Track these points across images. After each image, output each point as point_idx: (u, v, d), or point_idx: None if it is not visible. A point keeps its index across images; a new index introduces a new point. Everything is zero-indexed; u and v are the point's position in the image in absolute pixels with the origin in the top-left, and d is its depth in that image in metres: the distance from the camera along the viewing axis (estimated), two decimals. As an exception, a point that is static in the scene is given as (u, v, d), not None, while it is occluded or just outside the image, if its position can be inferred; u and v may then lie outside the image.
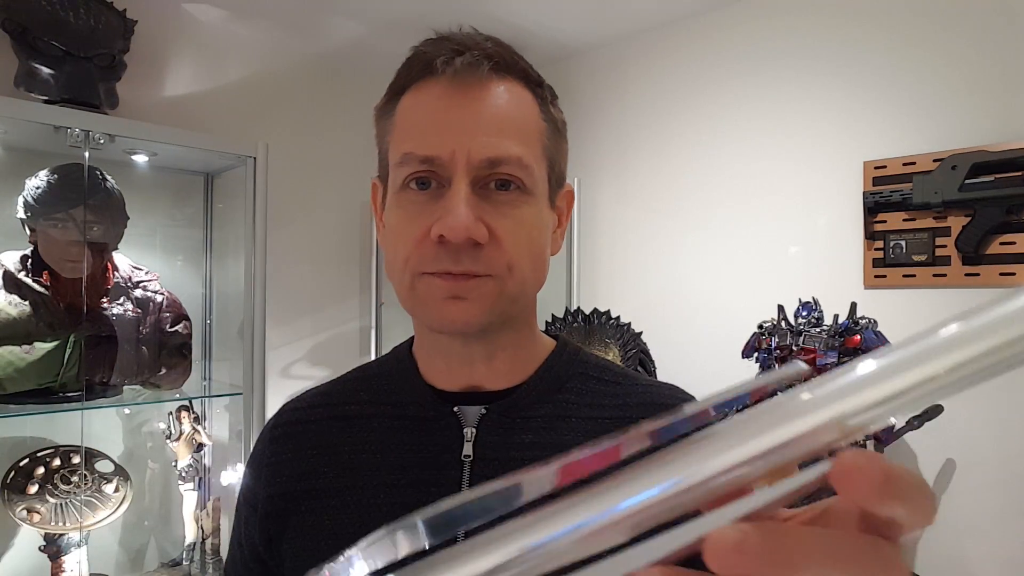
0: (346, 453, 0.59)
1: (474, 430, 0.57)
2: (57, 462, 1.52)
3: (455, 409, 0.58)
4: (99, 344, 1.53)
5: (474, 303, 0.53)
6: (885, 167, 1.56)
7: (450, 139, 0.52)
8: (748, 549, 0.18)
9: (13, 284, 1.45)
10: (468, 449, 0.57)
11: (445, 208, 0.51)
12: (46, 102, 1.48)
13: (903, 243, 1.53)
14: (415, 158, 0.53)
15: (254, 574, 0.62)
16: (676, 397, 0.63)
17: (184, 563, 1.72)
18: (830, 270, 1.65)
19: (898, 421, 1.37)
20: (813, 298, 1.54)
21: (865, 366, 0.19)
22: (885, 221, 1.55)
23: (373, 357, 2.23)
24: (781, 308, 1.57)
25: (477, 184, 0.52)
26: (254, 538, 0.61)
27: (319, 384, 0.68)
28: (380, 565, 0.20)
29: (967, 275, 1.44)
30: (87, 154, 1.47)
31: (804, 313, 1.52)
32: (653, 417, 0.20)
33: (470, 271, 0.52)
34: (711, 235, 1.91)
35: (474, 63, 0.52)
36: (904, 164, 1.53)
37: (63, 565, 1.47)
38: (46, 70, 1.49)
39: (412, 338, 0.65)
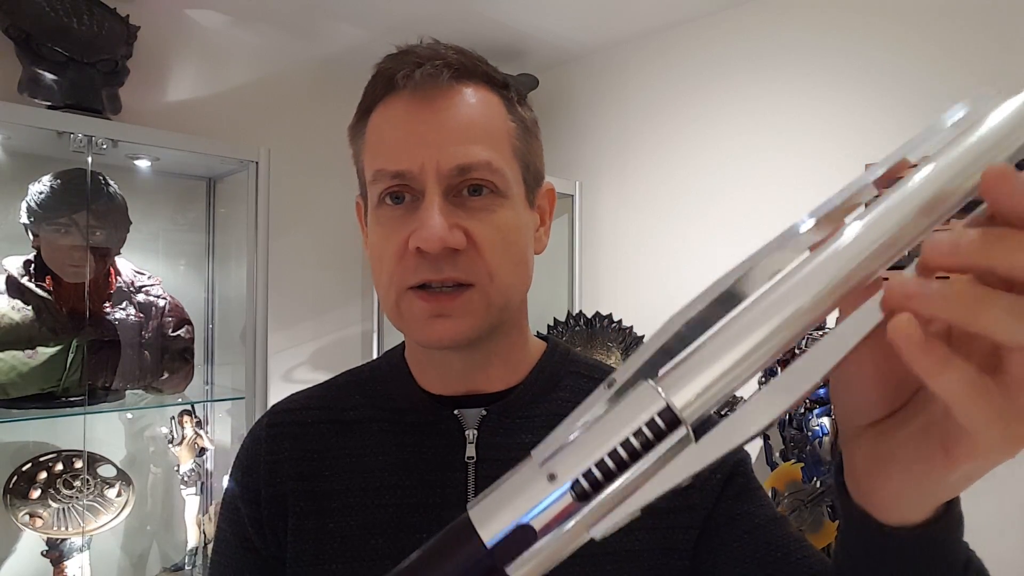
0: (347, 456, 0.59)
1: (475, 432, 0.58)
2: (59, 467, 1.52)
3: (455, 412, 0.58)
4: (101, 349, 1.53)
5: (460, 319, 0.53)
6: (887, 170, 1.56)
7: (418, 152, 0.52)
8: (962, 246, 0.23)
9: (16, 289, 1.46)
10: (471, 451, 0.57)
11: (420, 220, 0.51)
12: (49, 107, 1.49)
13: (905, 246, 1.53)
14: (387, 174, 0.53)
15: (263, 572, 0.60)
16: None
17: (186, 568, 1.72)
18: (832, 273, 1.65)
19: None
20: (815, 301, 1.53)
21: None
22: (887, 224, 1.55)
23: (375, 361, 2.23)
24: (783, 311, 1.57)
25: (450, 192, 0.52)
26: (267, 538, 0.60)
27: (307, 388, 0.67)
28: None
29: (970, 278, 1.43)
30: (90, 159, 1.48)
31: (806, 316, 1.52)
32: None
33: (451, 278, 0.52)
34: (713, 237, 1.90)
35: (434, 73, 0.52)
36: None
37: (65, 570, 1.47)
38: (49, 76, 1.49)
39: (404, 342, 0.65)
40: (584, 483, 0.25)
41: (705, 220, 1.92)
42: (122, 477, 1.62)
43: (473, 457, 0.57)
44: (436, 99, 0.53)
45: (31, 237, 1.47)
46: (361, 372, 0.66)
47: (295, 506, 0.58)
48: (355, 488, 0.58)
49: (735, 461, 0.58)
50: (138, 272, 1.67)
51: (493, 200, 0.54)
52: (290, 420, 0.63)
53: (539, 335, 0.67)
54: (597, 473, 0.25)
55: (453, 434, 0.58)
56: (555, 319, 1.98)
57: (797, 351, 0.27)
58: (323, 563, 0.56)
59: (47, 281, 1.48)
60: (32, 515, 1.44)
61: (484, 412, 0.58)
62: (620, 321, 1.87)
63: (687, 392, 0.26)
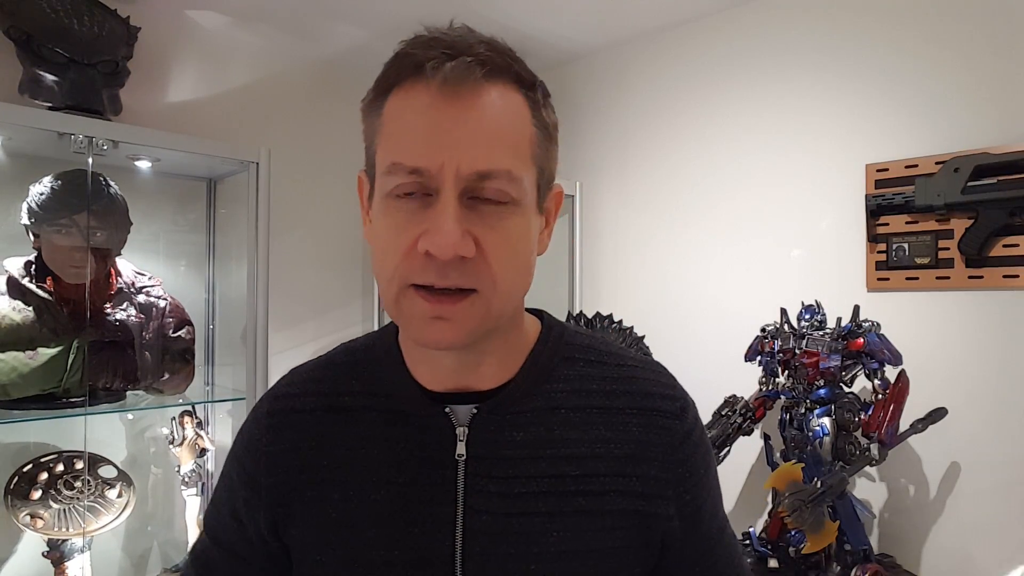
0: (343, 447, 0.60)
1: (466, 429, 0.58)
2: (60, 467, 1.52)
3: (447, 409, 0.59)
4: (102, 349, 1.53)
5: (458, 324, 0.52)
6: (887, 170, 1.56)
7: (439, 151, 0.50)
8: None
9: (17, 290, 1.46)
10: (461, 448, 0.58)
11: (433, 222, 0.50)
12: (50, 109, 1.49)
13: (906, 246, 1.53)
14: (403, 169, 0.51)
15: (258, 554, 0.63)
16: (660, 383, 0.64)
17: (187, 568, 1.71)
18: (833, 273, 1.65)
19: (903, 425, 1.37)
20: (816, 301, 1.53)
21: None
22: (888, 224, 1.55)
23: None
24: (784, 311, 1.57)
25: (465, 195, 0.51)
26: (258, 522, 0.62)
27: (307, 364, 0.68)
28: None
29: (970, 277, 1.43)
30: (91, 160, 1.48)
31: (807, 316, 1.52)
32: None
33: (455, 284, 0.51)
34: (713, 238, 1.90)
35: (465, 69, 0.50)
36: (906, 167, 1.53)
37: (66, 571, 1.47)
38: (50, 77, 1.49)
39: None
40: None
41: (706, 220, 1.92)
42: (123, 478, 1.62)
43: (463, 455, 0.58)
44: (464, 97, 0.51)
45: (32, 238, 1.47)
46: (357, 352, 0.67)
47: (301, 495, 0.60)
48: (353, 480, 0.59)
49: (687, 475, 0.62)
50: (139, 273, 1.67)
51: (506, 208, 0.52)
52: (289, 408, 0.64)
53: (533, 310, 0.66)
54: None
55: (444, 431, 0.58)
56: (555, 319, 1.98)
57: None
58: (322, 548, 0.59)
59: (48, 282, 1.48)
60: (33, 516, 1.44)
61: (475, 410, 0.59)
62: (620, 321, 1.86)
63: None
